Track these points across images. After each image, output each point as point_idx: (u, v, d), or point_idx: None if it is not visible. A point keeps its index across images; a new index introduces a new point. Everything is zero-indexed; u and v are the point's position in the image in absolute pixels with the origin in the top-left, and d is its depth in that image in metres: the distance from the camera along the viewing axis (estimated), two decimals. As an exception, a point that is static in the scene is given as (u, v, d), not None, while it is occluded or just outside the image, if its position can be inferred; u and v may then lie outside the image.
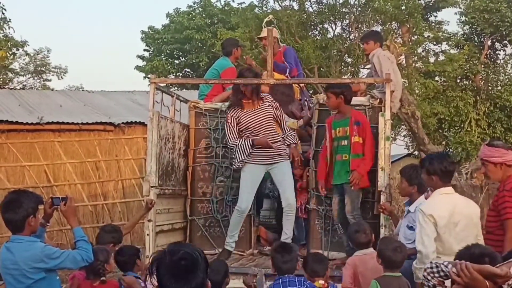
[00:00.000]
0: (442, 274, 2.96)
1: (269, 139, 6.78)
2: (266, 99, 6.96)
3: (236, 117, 6.81)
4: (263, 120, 6.84)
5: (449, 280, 2.89)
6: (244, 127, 6.82)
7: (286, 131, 6.98)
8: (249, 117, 6.82)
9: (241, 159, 6.74)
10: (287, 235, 6.87)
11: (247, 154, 6.72)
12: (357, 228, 5.58)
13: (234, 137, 6.79)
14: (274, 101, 6.99)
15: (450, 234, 4.73)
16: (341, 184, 6.68)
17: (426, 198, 5.26)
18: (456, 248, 4.61)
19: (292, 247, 5.18)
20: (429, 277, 3.02)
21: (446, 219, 4.73)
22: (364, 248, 5.41)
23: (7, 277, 4.25)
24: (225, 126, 6.91)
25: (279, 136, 6.91)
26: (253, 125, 6.82)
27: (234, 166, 6.97)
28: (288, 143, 6.95)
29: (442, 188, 4.88)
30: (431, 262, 3.10)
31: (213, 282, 3.63)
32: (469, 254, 2.95)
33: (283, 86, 7.86)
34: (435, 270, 2.99)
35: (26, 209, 4.21)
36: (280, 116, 6.96)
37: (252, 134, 6.81)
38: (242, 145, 6.74)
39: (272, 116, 6.89)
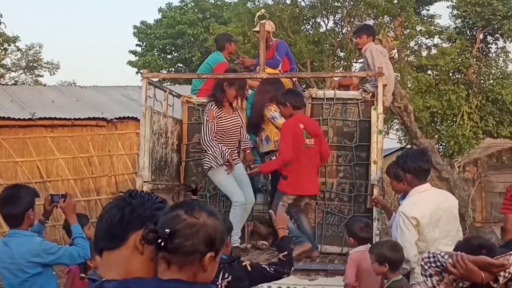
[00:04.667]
0: (439, 264, 2.97)
1: (234, 144, 6.96)
2: (235, 107, 7.10)
3: (217, 117, 6.86)
4: (236, 128, 6.99)
5: None
6: (220, 129, 6.87)
7: (244, 135, 7.11)
8: (226, 122, 6.93)
9: (212, 163, 6.72)
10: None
11: (218, 161, 6.70)
12: (361, 224, 5.53)
13: (211, 138, 6.78)
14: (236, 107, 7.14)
15: (434, 232, 4.73)
16: None
17: None
18: (441, 243, 4.65)
19: None
20: (426, 267, 3.03)
21: (429, 217, 4.71)
22: (365, 244, 5.35)
23: (3, 271, 4.26)
24: (205, 122, 6.86)
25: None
26: (227, 130, 6.93)
27: (205, 166, 6.87)
28: (244, 147, 7.13)
29: (419, 186, 4.82)
30: (428, 252, 3.10)
31: None
32: (467, 245, 2.95)
33: (273, 87, 7.69)
34: (432, 260, 2.99)
35: (25, 203, 4.24)
36: (242, 122, 7.14)
37: (222, 137, 6.87)
38: (217, 151, 6.72)
39: (240, 125, 7.05)
